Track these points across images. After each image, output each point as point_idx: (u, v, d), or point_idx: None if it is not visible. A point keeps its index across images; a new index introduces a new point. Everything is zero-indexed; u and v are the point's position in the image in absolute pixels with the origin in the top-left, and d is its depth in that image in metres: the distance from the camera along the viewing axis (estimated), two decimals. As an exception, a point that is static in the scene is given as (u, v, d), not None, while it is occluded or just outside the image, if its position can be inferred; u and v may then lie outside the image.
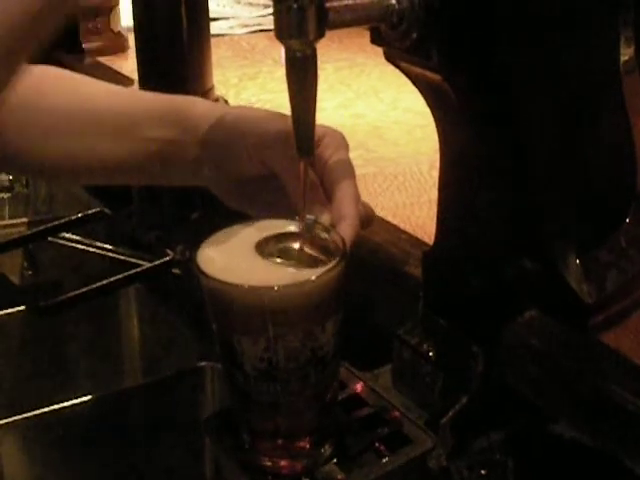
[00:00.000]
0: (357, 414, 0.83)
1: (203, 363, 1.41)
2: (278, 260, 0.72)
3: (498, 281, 0.82)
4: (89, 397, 1.37)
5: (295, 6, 0.65)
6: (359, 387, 0.86)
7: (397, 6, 0.68)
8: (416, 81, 0.76)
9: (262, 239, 0.74)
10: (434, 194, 1.15)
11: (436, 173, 1.22)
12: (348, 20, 0.68)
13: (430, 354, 0.85)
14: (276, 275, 0.70)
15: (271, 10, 2.20)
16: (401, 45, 0.70)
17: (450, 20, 0.68)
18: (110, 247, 1.41)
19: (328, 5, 0.66)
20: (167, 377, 1.43)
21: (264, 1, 2.15)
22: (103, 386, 1.52)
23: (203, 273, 0.70)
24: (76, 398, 1.35)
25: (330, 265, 0.70)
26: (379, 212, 1.08)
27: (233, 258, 0.72)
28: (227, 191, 0.87)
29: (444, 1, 0.67)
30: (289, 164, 0.77)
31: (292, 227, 0.75)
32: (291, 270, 0.71)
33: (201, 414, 1.43)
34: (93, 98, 0.90)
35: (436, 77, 0.71)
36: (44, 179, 1.65)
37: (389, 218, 1.06)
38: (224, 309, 0.71)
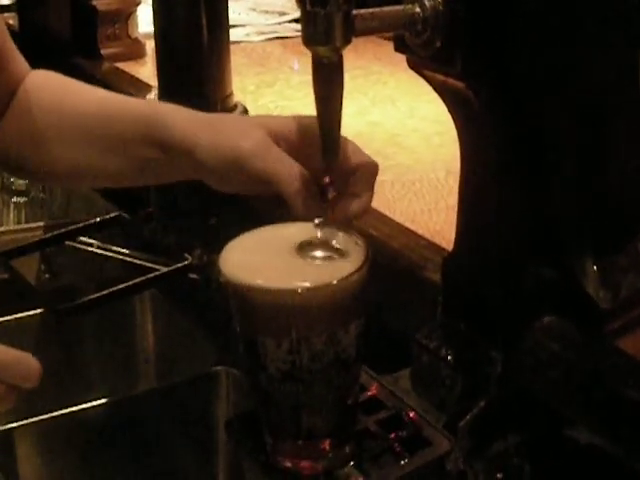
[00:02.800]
0: (376, 416, 0.84)
1: (218, 368, 1.42)
2: (302, 262, 0.73)
3: (516, 287, 0.83)
4: (104, 400, 1.38)
5: (322, 13, 0.66)
6: (378, 390, 0.87)
7: (422, 14, 0.69)
8: (439, 89, 0.76)
9: (286, 241, 0.75)
10: (451, 200, 1.16)
11: (453, 180, 1.24)
12: (374, 27, 0.69)
13: (449, 358, 0.86)
14: (300, 277, 0.71)
15: (287, 18, 2.21)
16: (425, 53, 0.71)
17: (474, 28, 0.69)
18: (127, 251, 1.42)
19: (354, 12, 0.67)
20: (182, 381, 1.44)
21: (280, 9, 2.17)
22: (118, 390, 1.53)
23: (227, 275, 0.71)
24: (92, 401, 1.36)
25: (354, 268, 0.71)
26: (397, 218, 1.10)
27: (257, 260, 0.73)
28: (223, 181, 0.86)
29: (469, 9, 0.68)
30: (283, 170, 0.78)
31: (314, 229, 0.76)
32: (315, 272, 0.72)
33: (216, 419, 1.44)
34: (81, 110, 0.90)
35: (459, 85, 0.72)
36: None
37: (407, 224, 1.08)
38: (248, 311, 0.72)
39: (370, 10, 0.69)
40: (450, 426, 0.83)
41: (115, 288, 1.18)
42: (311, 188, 0.77)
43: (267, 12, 2.17)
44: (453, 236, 1.04)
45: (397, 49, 0.75)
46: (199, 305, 1.46)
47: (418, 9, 0.70)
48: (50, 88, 0.92)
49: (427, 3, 0.69)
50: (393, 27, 0.70)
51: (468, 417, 0.83)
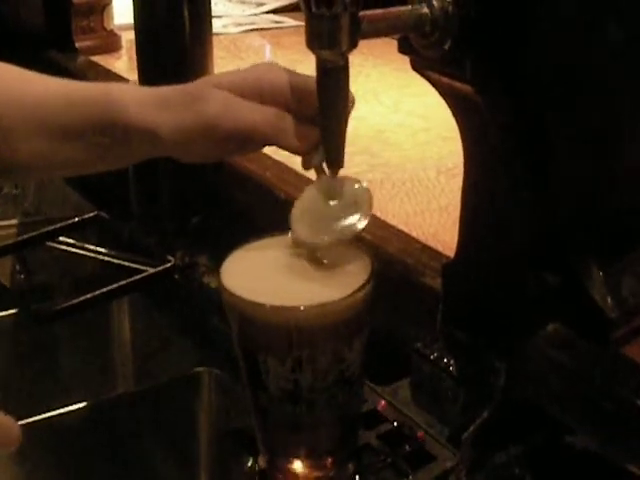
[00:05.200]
0: (377, 430, 0.81)
1: (200, 369, 1.39)
2: (305, 276, 0.70)
3: (520, 293, 0.80)
4: (83, 404, 1.35)
5: (328, 14, 0.62)
6: (377, 402, 0.84)
7: (430, 14, 0.66)
8: (444, 92, 0.73)
9: (287, 254, 0.71)
10: (444, 201, 1.14)
11: (444, 179, 1.22)
12: (381, 29, 0.66)
13: (451, 369, 0.83)
14: (304, 294, 0.68)
15: (265, 8, 2.17)
16: (432, 55, 0.68)
17: (486, 30, 0.66)
18: (106, 251, 1.38)
19: (360, 14, 0.64)
20: (163, 383, 1.40)
21: (257, -1, 2.13)
22: (96, 393, 1.49)
23: (229, 290, 0.68)
24: (69, 405, 1.32)
25: (359, 283, 0.68)
26: (390, 220, 1.07)
27: (259, 275, 0.70)
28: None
29: (480, 10, 0.65)
30: (257, 118, 0.74)
31: (316, 240, 0.73)
32: (319, 288, 0.69)
33: (197, 421, 1.41)
34: (40, 100, 0.86)
35: (467, 88, 0.69)
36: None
37: (401, 226, 1.05)
38: (249, 328, 0.69)
39: (377, 11, 0.65)
40: (453, 439, 0.81)
41: (98, 292, 1.14)
42: (292, 120, 0.74)
43: (244, 3, 2.13)
44: (449, 239, 1.02)
45: (401, 50, 0.72)
46: (179, 306, 1.43)
47: (426, 9, 0.66)
48: (6, 80, 0.88)
49: (435, 3, 0.66)
50: (401, 29, 0.67)
51: (471, 429, 0.81)
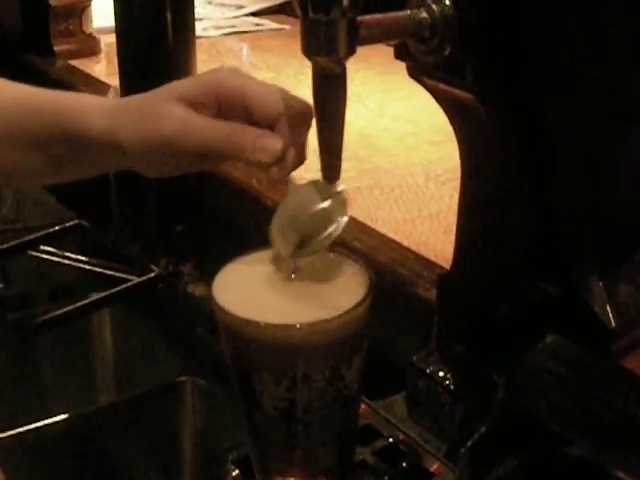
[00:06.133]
0: (372, 446, 0.79)
1: (183, 378, 1.37)
2: (301, 292, 0.67)
3: (519, 306, 0.79)
4: (66, 415, 1.32)
5: (325, 20, 0.60)
6: (372, 417, 0.82)
7: (429, 20, 0.64)
8: (442, 99, 0.71)
9: (281, 269, 0.69)
10: (434, 208, 1.12)
11: (433, 185, 1.20)
12: (379, 35, 0.63)
13: (447, 383, 0.81)
14: (300, 311, 0.65)
15: (244, 11, 2.14)
16: (431, 61, 0.66)
17: (487, 35, 0.63)
18: (88, 260, 1.35)
19: (358, 19, 0.62)
20: (145, 393, 1.39)
21: (237, 2, 2.10)
22: (78, 403, 1.47)
23: (222, 307, 0.65)
24: (52, 417, 1.30)
25: (357, 300, 0.65)
26: (380, 228, 1.05)
27: (252, 290, 0.67)
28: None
29: (481, 15, 0.63)
30: (214, 136, 0.72)
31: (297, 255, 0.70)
32: (316, 305, 0.66)
33: (181, 430, 1.39)
34: (1, 108, 0.84)
35: (467, 95, 0.67)
36: None
37: (391, 234, 1.02)
38: (243, 346, 0.66)
39: (375, 16, 0.63)
40: (451, 454, 0.79)
41: (81, 303, 1.11)
42: (252, 132, 0.71)
43: (223, 5, 2.10)
44: (440, 247, 1.00)
45: (398, 56, 0.70)
46: (162, 314, 1.40)
47: (425, 14, 0.64)
48: None
49: (435, 8, 0.64)
50: (400, 34, 0.65)
51: (469, 444, 0.79)
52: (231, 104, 0.73)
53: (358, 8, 0.60)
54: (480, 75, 0.65)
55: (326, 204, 0.69)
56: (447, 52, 0.65)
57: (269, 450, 0.71)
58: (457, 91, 0.68)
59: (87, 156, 0.80)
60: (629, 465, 0.74)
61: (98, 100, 0.80)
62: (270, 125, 0.71)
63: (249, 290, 0.67)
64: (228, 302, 0.65)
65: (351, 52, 0.62)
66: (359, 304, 0.65)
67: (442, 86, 0.69)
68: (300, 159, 0.71)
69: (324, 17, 0.60)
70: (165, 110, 0.73)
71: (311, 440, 0.69)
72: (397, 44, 0.69)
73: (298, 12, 0.61)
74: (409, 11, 0.64)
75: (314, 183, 0.69)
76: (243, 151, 0.70)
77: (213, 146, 0.72)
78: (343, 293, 0.67)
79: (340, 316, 0.64)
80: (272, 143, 0.69)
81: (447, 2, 0.64)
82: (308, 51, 0.62)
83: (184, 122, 0.72)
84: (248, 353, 0.66)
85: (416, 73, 0.70)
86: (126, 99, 0.78)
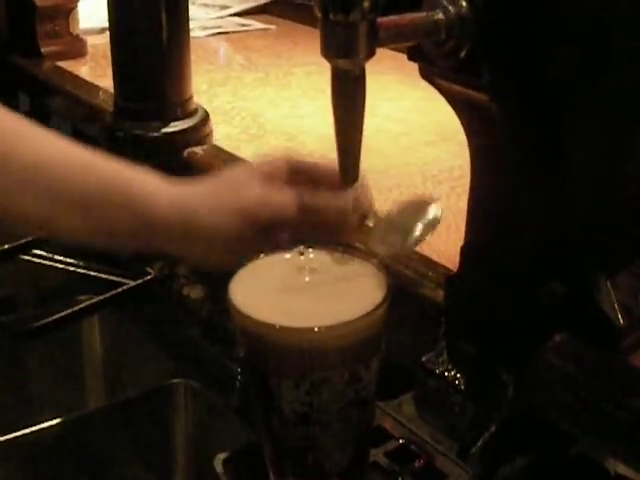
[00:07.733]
0: (384, 447, 0.79)
1: (176, 380, 1.37)
2: (319, 295, 0.67)
3: (528, 305, 0.79)
4: (58, 420, 1.31)
5: (345, 21, 0.60)
6: (382, 418, 0.82)
7: (445, 21, 0.64)
8: (455, 100, 0.71)
9: (299, 272, 0.69)
10: (433, 208, 1.12)
11: (431, 185, 1.20)
12: (396, 37, 0.63)
13: (457, 383, 0.81)
14: (318, 314, 0.65)
15: (229, 11, 2.13)
16: (446, 63, 0.66)
17: (504, 36, 0.63)
18: (82, 263, 1.34)
19: (378, 21, 0.61)
20: (138, 396, 1.38)
21: (220, 2, 2.09)
22: (71, 408, 1.46)
23: (238, 310, 0.65)
24: (43, 422, 1.29)
25: (376, 303, 0.65)
26: (381, 229, 1.04)
27: (269, 293, 0.67)
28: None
29: (499, 16, 0.63)
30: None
31: (328, 256, 0.70)
32: (334, 308, 0.66)
33: (174, 432, 1.38)
34: (51, 169, 0.78)
35: (482, 97, 0.67)
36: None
37: (392, 235, 1.02)
38: (261, 350, 0.66)
39: (392, 18, 0.63)
40: (462, 454, 0.79)
41: (77, 307, 1.10)
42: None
43: (207, 6, 2.09)
44: (443, 248, 1.00)
45: (411, 58, 0.70)
46: (154, 317, 1.39)
47: (441, 15, 0.64)
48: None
49: (451, 9, 0.64)
50: (417, 36, 0.64)
51: (479, 443, 0.79)
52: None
53: (378, 10, 0.60)
54: (497, 75, 0.65)
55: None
56: (463, 54, 0.65)
57: (285, 452, 0.71)
58: (472, 92, 0.68)
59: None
60: (638, 461, 0.75)
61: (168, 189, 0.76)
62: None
63: (266, 293, 0.67)
64: (246, 305, 0.65)
65: (371, 54, 0.62)
66: (378, 306, 0.65)
67: (456, 87, 0.69)
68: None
69: (344, 19, 0.60)
70: (248, 182, 0.74)
71: (328, 442, 0.69)
72: (411, 46, 0.69)
73: (318, 13, 0.61)
74: (425, 13, 0.64)
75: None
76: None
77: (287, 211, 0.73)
78: (360, 295, 0.67)
79: (360, 318, 0.64)
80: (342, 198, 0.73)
81: (463, 3, 0.64)
82: (327, 53, 0.62)
83: (265, 192, 0.73)
84: (266, 357, 0.65)
85: (429, 74, 0.71)
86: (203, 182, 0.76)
